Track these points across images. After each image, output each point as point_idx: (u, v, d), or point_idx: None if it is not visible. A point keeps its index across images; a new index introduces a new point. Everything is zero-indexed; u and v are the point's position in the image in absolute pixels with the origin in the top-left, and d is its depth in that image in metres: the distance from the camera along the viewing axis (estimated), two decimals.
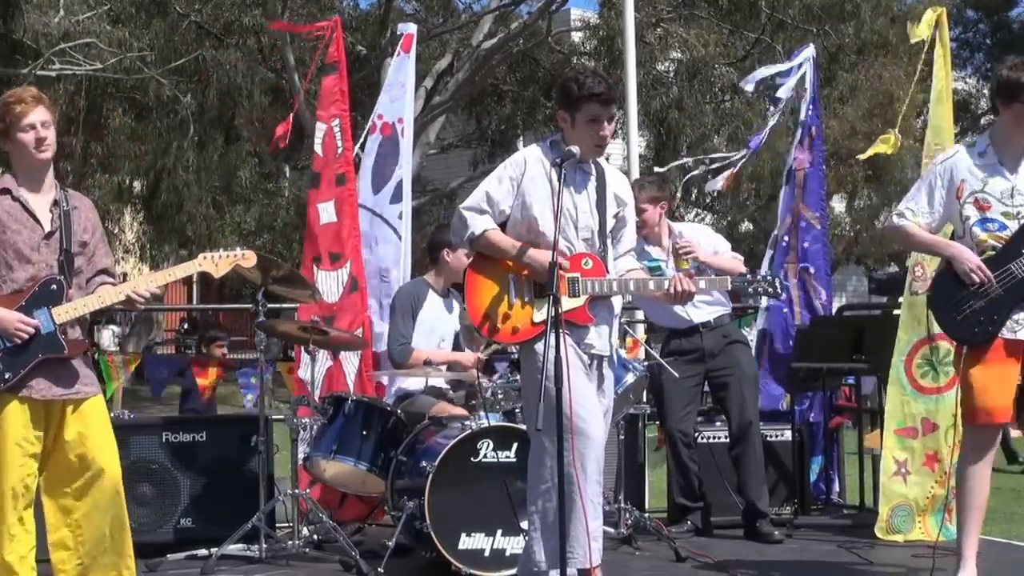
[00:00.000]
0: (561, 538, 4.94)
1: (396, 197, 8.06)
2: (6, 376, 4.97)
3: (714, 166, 9.45)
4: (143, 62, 18.92)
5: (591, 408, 5.30)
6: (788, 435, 8.07)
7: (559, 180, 5.20)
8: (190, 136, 20.49)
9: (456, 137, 24.49)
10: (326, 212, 7.84)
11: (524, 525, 6.33)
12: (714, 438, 7.86)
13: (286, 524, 7.25)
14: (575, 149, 5.28)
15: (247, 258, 5.45)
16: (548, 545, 5.32)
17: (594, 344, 5.42)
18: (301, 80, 18.80)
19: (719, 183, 9.04)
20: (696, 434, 7.70)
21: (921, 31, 7.31)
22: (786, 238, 8.56)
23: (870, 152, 7.83)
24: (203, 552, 6.72)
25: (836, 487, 8.60)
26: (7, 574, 5.00)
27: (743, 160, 9.10)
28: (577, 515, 5.19)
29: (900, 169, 23.12)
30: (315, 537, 7.01)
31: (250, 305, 7.07)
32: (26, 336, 4.98)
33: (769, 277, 5.59)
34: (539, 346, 5.30)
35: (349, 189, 7.88)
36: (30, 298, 5.03)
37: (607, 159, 5.77)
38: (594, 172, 5.48)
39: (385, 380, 7.72)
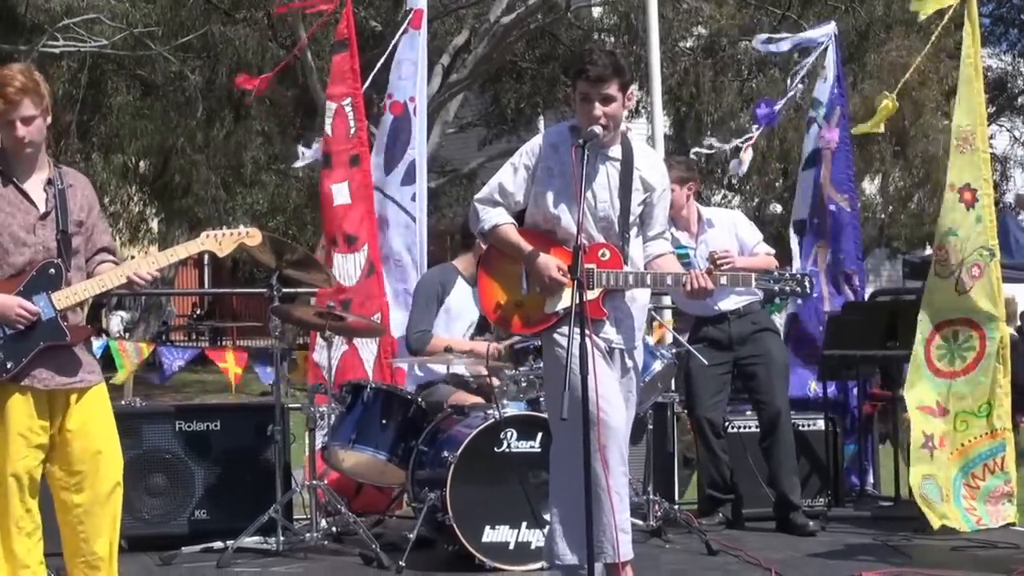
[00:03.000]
0: (588, 535, 4.91)
1: (408, 178, 8.02)
2: (8, 366, 4.91)
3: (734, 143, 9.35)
4: (149, 38, 18.88)
5: (612, 398, 5.28)
6: (820, 424, 8.04)
7: (582, 162, 5.15)
8: (198, 115, 20.44)
9: (474, 116, 24.40)
10: (340, 193, 7.81)
11: (549, 517, 6.40)
12: (744, 428, 7.83)
13: (303, 516, 7.26)
14: (597, 130, 5.23)
15: (252, 236, 5.38)
16: (571, 537, 5.31)
17: (611, 338, 5.39)
18: (314, 57, 18.74)
19: (743, 167, 8.98)
20: (726, 423, 7.67)
21: (926, 6, 7.24)
22: (815, 220, 8.50)
23: (870, 125, 7.77)
24: (219, 545, 6.69)
25: (870, 478, 8.56)
26: (17, 566, 4.98)
27: (758, 132, 8.99)
28: (603, 508, 5.17)
29: (925, 146, 22.94)
30: (333, 529, 6.99)
31: (264, 290, 7.04)
32: (27, 323, 4.93)
33: (798, 275, 5.47)
34: (559, 336, 5.31)
35: (364, 170, 7.85)
36: (28, 283, 4.96)
37: None
38: (620, 156, 5.43)
39: (406, 367, 7.70)
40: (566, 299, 5.28)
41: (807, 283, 5.41)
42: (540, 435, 6.46)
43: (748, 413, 7.86)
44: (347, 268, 7.76)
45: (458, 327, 7.29)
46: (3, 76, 4.92)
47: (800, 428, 7.87)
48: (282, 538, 6.73)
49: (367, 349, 7.74)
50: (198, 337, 30.74)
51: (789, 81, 8.66)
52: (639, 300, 5.51)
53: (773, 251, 7.53)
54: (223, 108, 21.44)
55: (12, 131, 4.93)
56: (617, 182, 5.38)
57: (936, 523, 6.95)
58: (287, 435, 7.07)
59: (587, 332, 4.94)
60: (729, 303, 7.49)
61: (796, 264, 8.62)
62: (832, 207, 8.49)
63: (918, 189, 23.79)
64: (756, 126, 8.71)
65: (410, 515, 7.79)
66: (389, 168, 8.01)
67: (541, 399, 6.56)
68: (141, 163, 22.12)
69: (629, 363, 5.46)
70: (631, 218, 5.40)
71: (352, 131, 7.85)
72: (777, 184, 22.88)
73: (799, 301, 8.24)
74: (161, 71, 21.37)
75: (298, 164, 8.89)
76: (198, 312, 32.32)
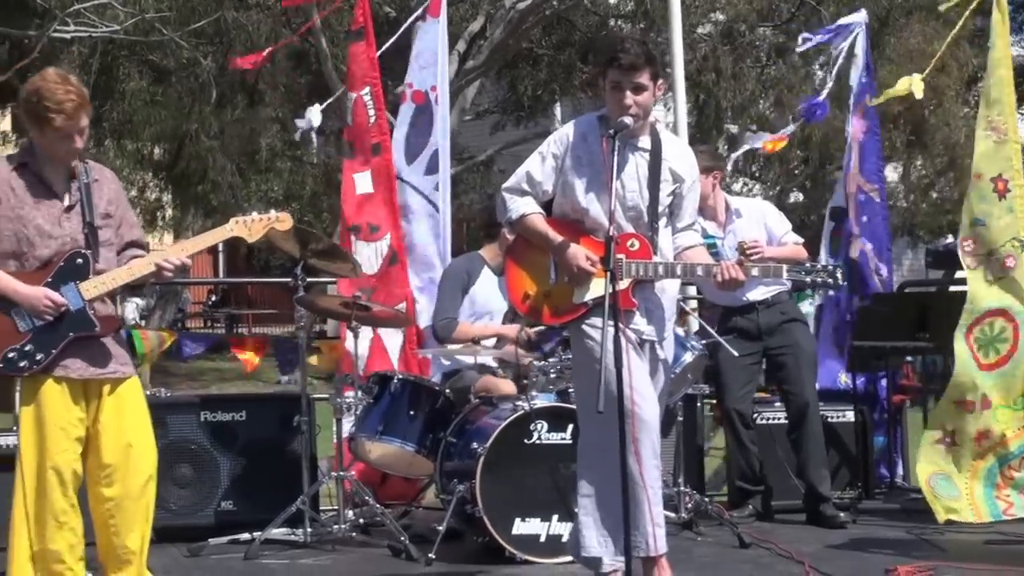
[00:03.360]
0: (626, 529, 4.86)
1: (431, 168, 8.01)
2: (37, 357, 4.90)
3: (763, 138, 9.29)
4: (161, 23, 18.84)
5: (645, 390, 5.24)
6: (850, 416, 8.00)
7: (613, 152, 5.10)
8: (212, 101, 20.40)
9: (491, 103, 24.34)
10: (363, 182, 7.78)
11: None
12: (773, 419, 7.78)
13: (329, 507, 7.24)
14: (628, 120, 5.18)
15: (282, 221, 5.36)
16: (599, 530, 5.29)
17: (641, 328, 5.34)
18: (328, 44, 18.68)
19: (759, 140, 8.91)
20: (755, 415, 7.63)
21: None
22: (847, 210, 8.44)
23: (883, 97, 7.69)
24: (246, 536, 6.69)
25: (900, 469, 8.52)
26: (51, 561, 4.96)
27: (795, 127, 8.96)
28: (636, 502, 5.13)
29: (947, 134, 22.86)
30: (360, 520, 6.98)
31: (288, 279, 7.00)
32: (54, 314, 4.91)
33: (829, 267, 5.40)
34: (588, 327, 5.28)
35: (386, 159, 7.84)
36: (56, 273, 4.95)
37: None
38: (649, 146, 5.38)
39: (430, 357, 7.67)
40: (594, 289, 5.26)
41: (838, 274, 5.34)
42: (571, 426, 6.41)
43: (777, 404, 7.81)
44: (368, 256, 7.73)
45: (484, 319, 7.26)
46: (61, 92, 4.89)
47: (830, 420, 7.82)
48: (310, 529, 6.71)
49: (392, 339, 7.70)
50: (214, 324, 30.74)
51: (826, 70, 8.55)
52: (669, 291, 5.47)
53: (802, 240, 7.47)
54: (236, 94, 21.40)
55: (71, 144, 4.95)
56: (646, 172, 5.33)
57: (942, 517, 6.92)
58: (313, 426, 7.05)
59: (620, 324, 4.90)
60: (757, 293, 7.44)
61: (822, 252, 8.57)
62: (862, 197, 8.42)
63: (940, 177, 23.70)
64: (799, 120, 8.67)
65: (437, 506, 7.77)
66: (411, 157, 7.98)
67: (571, 390, 6.52)
68: (156, 150, 22.07)
69: (660, 354, 5.42)
70: (660, 208, 5.36)
71: (372, 120, 7.83)
72: (797, 172, 22.82)
73: (830, 292, 8.21)
74: (173, 57, 21.29)
75: (297, 136, 8.85)
76: (213, 299, 32.32)
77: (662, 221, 5.37)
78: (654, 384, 5.34)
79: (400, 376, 6.91)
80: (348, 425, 7.06)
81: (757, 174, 23.19)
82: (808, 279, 5.34)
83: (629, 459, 4.99)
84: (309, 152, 26.87)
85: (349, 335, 7.60)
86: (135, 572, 5.14)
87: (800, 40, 8.52)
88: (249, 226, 5.29)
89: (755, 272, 5.40)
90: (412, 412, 6.80)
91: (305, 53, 22.85)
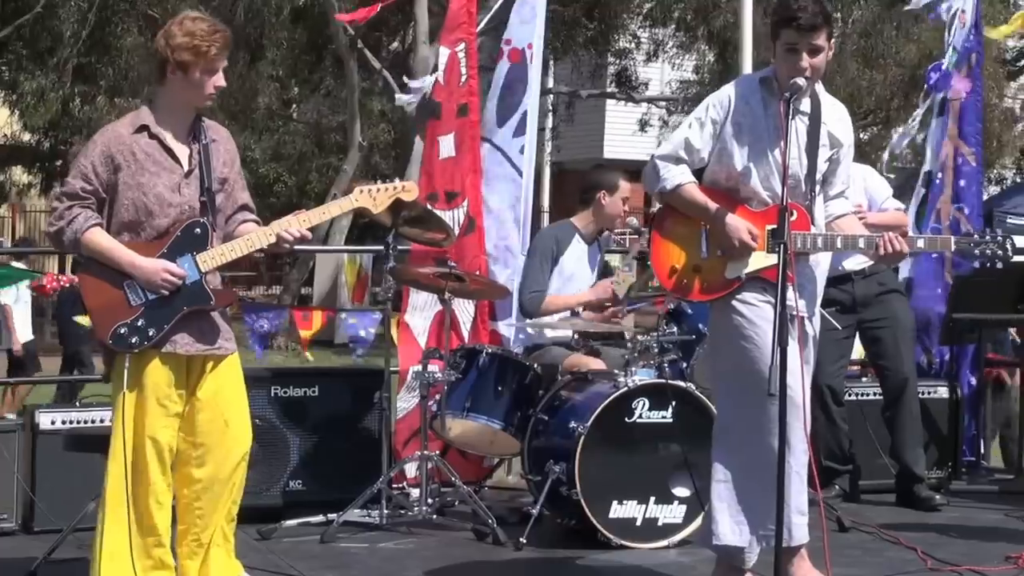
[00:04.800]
0: (779, 518, 4.61)
1: (520, 130, 7.72)
2: (150, 332, 4.64)
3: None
4: None
5: (796, 371, 4.97)
6: (943, 392, 7.79)
7: (789, 117, 4.81)
8: None
9: (484, 60, 23.99)
10: (446, 146, 7.49)
11: (678, 492, 6.13)
12: (863, 395, 7.55)
13: (397, 487, 6.98)
14: (801, 82, 4.88)
15: (408, 190, 5.15)
16: (736, 519, 5.06)
17: (792, 304, 5.05)
18: None
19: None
20: (845, 391, 7.39)
21: (1002, 31, 6.95)
22: (939, 175, 8.18)
23: (1006, 30, 7.45)
24: (317, 519, 6.44)
25: (982, 449, 8.32)
26: (156, 547, 4.72)
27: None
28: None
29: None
30: (430, 501, 6.68)
31: (380, 248, 6.72)
32: (173, 288, 4.66)
33: (999, 237, 5.07)
34: (738, 303, 5.02)
35: (472, 120, 7.54)
36: (172, 244, 4.70)
37: None
38: (809, 109, 5.09)
39: (504, 331, 7.43)
40: (752, 263, 4.99)
41: (1008, 245, 5.04)
42: (672, 405, 6.19)
43: (864, 380, 7.57)
44: None
45: (571, 290, 6.99)
46: (206, 26, 4.70)
47: (920, 396, 7.56)
48: (387, 511, 6.45)
49: (464, 311, 7.44)
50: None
51: (946, 33, 8.22)
52: (822, 264, 5.23)
53: (904, 207, 7.22)
54: (238, 51, 21.06)
55: (203, 89, 4.71)
56: (805, 138, 5.05)
57: None
58: (393, 402, 6.79)
59: (787, 301, 4.63)
60: (853, 262, 7.13)
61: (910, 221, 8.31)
62: (959, 160, 8.16)
63: None
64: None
65: (505, 486, 7.57)
66: (502, 119, 7.69)
67: (683, 367, 6.28)
68: None
69: (808, 330, 5.16)
70: (817, 176, 5.08)
71: (463, 79, 7.51)
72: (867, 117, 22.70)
73: (914, 267, 8.01)
74: (173, 11, 20.90)
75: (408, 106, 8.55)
76: None
77: (816, 189, 5.11)
78: (803, 362, 5.09)
79: (489, 350, 6.65)
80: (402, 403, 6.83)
81: None
82: (977, 251, 5.05)
83: (774, 443, 4.75)
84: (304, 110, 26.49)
85: (411, 308, 7.36)
86: (223, 556, 4.90)
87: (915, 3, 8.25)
88: (374, 195, 5.04)
89: (920, 244, 5.15)
90: (500, 388, 6.54)
91: (306, 8, 22.51)
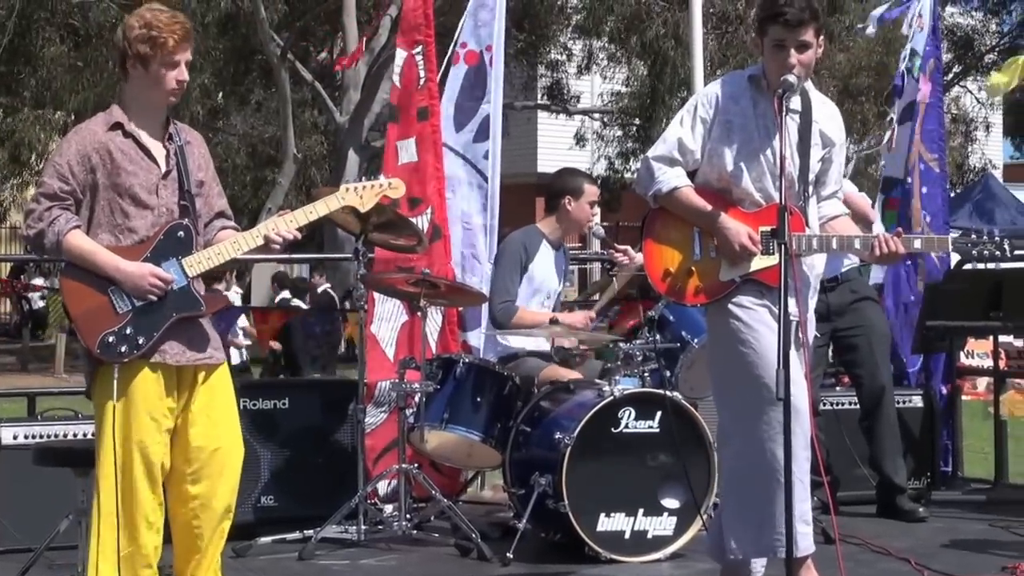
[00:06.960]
0: (788, 527, 4.56)
1: (481, 135, 7.65)
2: (139, 341, 4.47)
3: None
4: None
5: (797, 377, 4.90)
6: (917, 401, 7.78)
7: (781, 114, 4.75)
8: None
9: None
10: (406, 151, 7.38)
11: (667, 504, 6.05)
12: (838, 404, 7.53)
13: (371, 502, 6.84)
14: (792, 79, 4.83)
15: (394, 188, 5.10)
16: (746, 532, 4.97)
17: (790, 308, 5.01)
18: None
19: None
20: (820, 401, 7.36)
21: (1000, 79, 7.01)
22: (908, 180, 8.18)
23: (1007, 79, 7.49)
24: (293, 535, 6.29)
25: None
26: (145, 568, 4.55)
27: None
28: (782, 499, 4.81)
29: None
30: (408, 516, 6.57)
31: (349, 255, 6.60)
32: (161, 293, 4.50)
33: (997, 238, 5.04)
34: (734, 307, 4.95)
35: (433, 124, 7.42)
36: (155, 248, 4.54)
37: None
38: (799, 107, 5.03)
39: (474, 341, 7.33)
40: (747, 267, 4.93)
41: (1006, 245, 5.01)
42: (659, 414, 6.13)
43: (838, 389, 7.55)
44: None
45: (536, 299, 6.89)
46: (166, 17, 4.53)
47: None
48: (364, 527, 6.32)
49: (431, 320, 7.33)
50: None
51: (906, 28, 8.23)
52: (817, 267, 5.16)
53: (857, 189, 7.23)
54: None
55: (178, 77, 4.55)
56: (796, 137, 5.00)
57: None
58: (365, 415, 6.65)
59: (779, 304, 4.58)
60: (827, 270, 7.13)
61: (878, 227, 8.31)
62: (922, 166, 8.16)
63: None
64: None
65: (480, 500, 7.46)
66: (460, 124, 7.61)
67: (667, 375, 6.22)
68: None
69: (810, 337, 5.10)
70: (810, 176, 5.02)
71: (422, 82, 7.40)
72: None
73: (884, 273, 8.01)
74: (95, 21, 20.70)
75: None
76: None
77: (810, 189, 5.05)
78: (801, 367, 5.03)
79: (466, 360, 6.54)
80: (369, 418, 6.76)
81: None
82: (975, 251, 5.01)
83: (777, 450, 4.72)
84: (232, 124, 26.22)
85: (377, 318, 7.24)
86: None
87: (867, 23, 8.29)
88: (361, 193, 4.94)
89: (917, 245, 5.11)
90: (478, 399, 6.42)
91: (233, 14, 22.25)
